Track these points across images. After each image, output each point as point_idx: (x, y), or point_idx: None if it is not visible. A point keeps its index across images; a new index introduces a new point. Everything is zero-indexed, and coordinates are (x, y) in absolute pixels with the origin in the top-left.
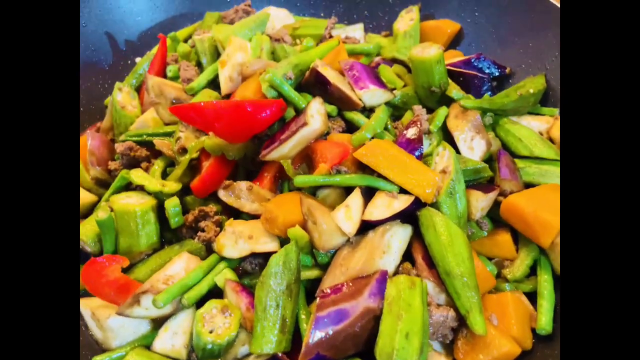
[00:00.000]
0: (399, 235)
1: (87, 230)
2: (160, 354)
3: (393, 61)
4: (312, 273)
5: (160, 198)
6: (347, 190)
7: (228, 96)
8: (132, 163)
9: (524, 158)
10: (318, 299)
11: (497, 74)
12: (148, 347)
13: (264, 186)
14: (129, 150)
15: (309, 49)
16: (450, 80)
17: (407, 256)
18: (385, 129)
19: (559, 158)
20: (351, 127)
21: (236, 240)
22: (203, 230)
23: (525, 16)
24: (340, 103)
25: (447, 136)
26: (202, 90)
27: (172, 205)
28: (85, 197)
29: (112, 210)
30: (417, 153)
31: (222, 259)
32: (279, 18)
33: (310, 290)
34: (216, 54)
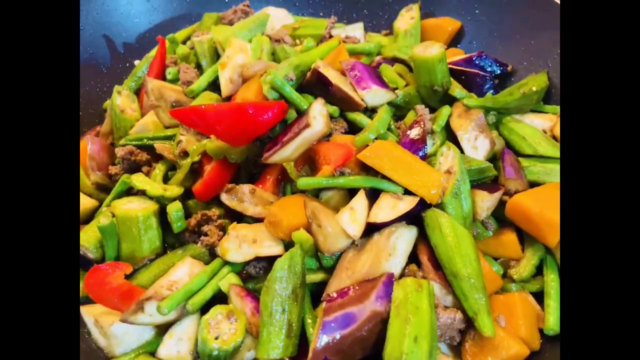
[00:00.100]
0: (405, 237)
1: (89, 236)
2: None
3: (394, 60)
4: (317, 276)
5: (162, 202)
6: (351, 192)
7: (229, 98)
8: (133, 167)
9: (528, 157)
10: (324, 303)
11: (498, 72)
12: (152, 353)
13: (267, 189)
14: (129, 155)
15: (310, 50)
16: (452, 79)
17: (413, 258)
18: (388, 129)
19: None
20: (353, 128)
21: (240, 245)
22: (206, 235)
23: (526, 13)
24: (342, 104)
25: (449, 135)
26: (203, 93)
27: (175, 209)
28: (86, 202)
29: (113, 215)
30: (421, 153)
31: (226, 263)
32: (278, 18)
33: (315, 293)
34: (216, 56)
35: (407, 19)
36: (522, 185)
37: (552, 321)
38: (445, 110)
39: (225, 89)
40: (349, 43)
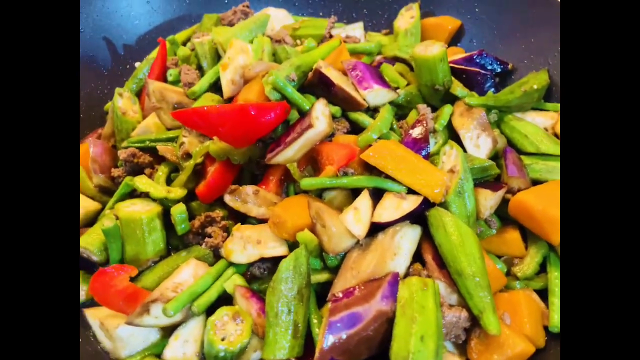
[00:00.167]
0: (409, 237)
1: (93, 239)
2: None
3: (395, 59)
4: (322, 276)
5: (165, 204)
6: (354, 192)
7: (230, 99)
8: (136, 169)
9: (530, 155)
10: (330, 303)
11: (499, 70)
12: (158, 355)
13: (270, 190)
14: (132, 157)
15: (311, 50)
16: (453, 78)
17: (417, 257)
18: (391, 128)
19: None
20: (355, 128)
21: (244, 246)
22: (210, 236)
23: (525, 11)
24: (344, 104)
25: (451, 134)
26: (204, 94)
27: (179, 211)
28: (89, 205)
29: (117, 218)
30: (423, 152)
31: (230, 264)
32: (278, 18)
33: (319, 293)
34: (217, 57)
35: (407, 18)
36: (525, 183)
37: (557, 318)
38: (447, 109)
39: (227, 90)
40: (350, 43)
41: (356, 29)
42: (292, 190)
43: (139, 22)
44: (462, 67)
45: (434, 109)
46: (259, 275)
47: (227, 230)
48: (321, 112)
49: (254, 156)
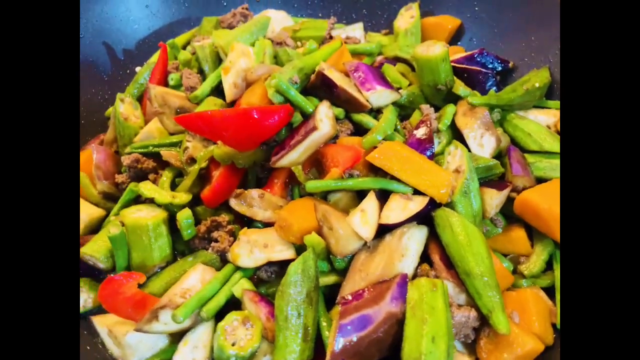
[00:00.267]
0: (416, 237)
1: (99, 246)
2: None
3: (395, 60)
4: (330, 279)
5: (170, 210)
6: (359, 194)
7: (233, 103)
8: (140, 175)
9: (534, 153)
10: (340, 306)
11: (500, 68)
12: None
13: (275, 193)
14: (135, 163)
15: (312, 52)
16: (455, 78)
17: (424, 257)
18: (395, 129)
19: None
20: (359, 129)
21: (251, 250)
22: (216, 241)
23: (525, 9)
24: (348, 105)
25: (454, 134)
26: (207, 98)
27: (185, 217)
28: (93, 211)
29: (123, 225)
30: (428, 153)
31: (237, 268)
32: (277, 20)
33: (328, 296)
34: (218, 60)
35: (407, 17)
36: (530, 181)
37: None
38: (450, 108)
39: (230, 93)
40: (350, 44)
41: (356, 30)
42: (297, 193)
43: (138, 26)
44: (464, 66)
45: (437, 109)
46: (266, 278)
47: (234, 235)
48: (325, 114)
49: (258, 160)
